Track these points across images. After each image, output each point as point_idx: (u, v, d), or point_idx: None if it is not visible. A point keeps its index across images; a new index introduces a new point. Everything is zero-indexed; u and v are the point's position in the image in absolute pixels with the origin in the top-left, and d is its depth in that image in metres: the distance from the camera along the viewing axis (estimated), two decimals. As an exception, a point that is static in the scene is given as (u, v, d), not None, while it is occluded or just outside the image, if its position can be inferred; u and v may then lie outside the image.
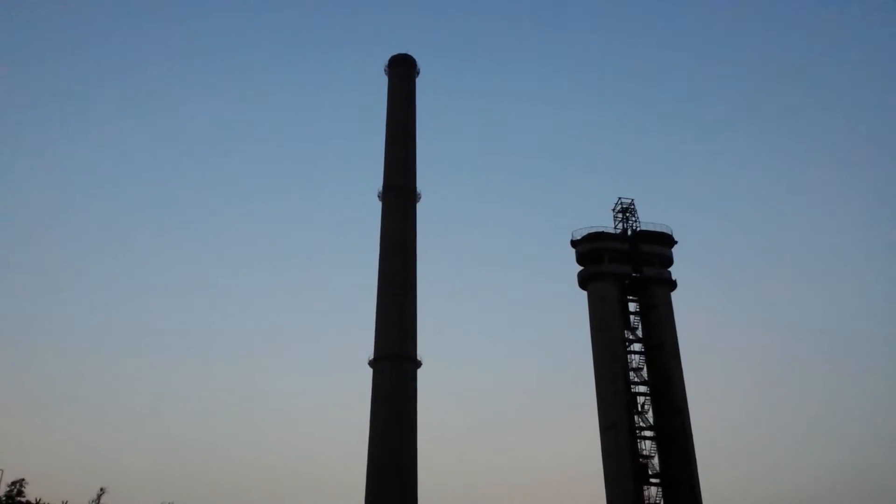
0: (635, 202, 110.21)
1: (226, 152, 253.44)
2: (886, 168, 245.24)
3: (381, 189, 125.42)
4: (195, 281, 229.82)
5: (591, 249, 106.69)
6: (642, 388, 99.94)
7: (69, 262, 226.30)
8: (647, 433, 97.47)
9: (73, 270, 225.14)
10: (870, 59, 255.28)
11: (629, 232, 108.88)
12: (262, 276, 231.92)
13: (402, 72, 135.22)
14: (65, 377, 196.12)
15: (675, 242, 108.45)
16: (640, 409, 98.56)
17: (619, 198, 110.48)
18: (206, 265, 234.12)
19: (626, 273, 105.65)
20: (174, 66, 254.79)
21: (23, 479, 48.44)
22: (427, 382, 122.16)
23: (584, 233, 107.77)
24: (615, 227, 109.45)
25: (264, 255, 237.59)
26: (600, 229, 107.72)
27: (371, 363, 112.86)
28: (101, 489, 57.49)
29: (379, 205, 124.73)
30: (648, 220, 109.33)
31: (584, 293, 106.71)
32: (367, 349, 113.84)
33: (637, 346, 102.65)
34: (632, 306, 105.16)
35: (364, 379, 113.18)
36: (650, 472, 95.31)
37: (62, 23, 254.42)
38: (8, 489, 48.45)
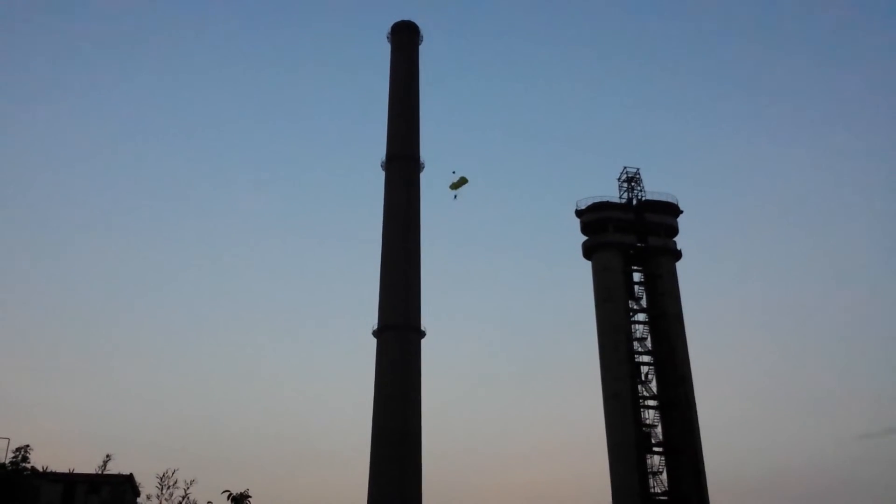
0: (641, 172, 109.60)
1: (227, 125, 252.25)
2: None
3: (384, 159, 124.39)
4: (199, 253, 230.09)
5: (595, 219, 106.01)
6: (646, 358, 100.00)
7: (76, 233, 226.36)
8: (651, 402, 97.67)
9: (80, 241, 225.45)
10: (884, 26, 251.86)
11: (634, 201, 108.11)
12: (265, 249, 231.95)
13: (405, 38, 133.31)
14: (72, 347, 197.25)
15: (681, 212, 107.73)
16: (643, 378, 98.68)
17: (625, 167, 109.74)
18: (208, 239, 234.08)
19: (631, 243, 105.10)
20: (172, 40, 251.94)
21: (27, 446, 48.31)
22: (431, 352, 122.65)
23: (589, 202, 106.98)
24: (620, 197, 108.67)
25: (267, 227, 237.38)
26: (605, 199, 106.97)
27: (375, 333, 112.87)
28: (108, 456, 57.66)
29: (382, 175, 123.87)
30: (654, 189, 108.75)
31: (589, 263, 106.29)
32: (372, 320, 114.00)
33: (641, 316, 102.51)
34: (636, 276, 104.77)
35: (368, 349, 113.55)
36: (653, 441, 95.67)
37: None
38: (13, 455, 48.37)
